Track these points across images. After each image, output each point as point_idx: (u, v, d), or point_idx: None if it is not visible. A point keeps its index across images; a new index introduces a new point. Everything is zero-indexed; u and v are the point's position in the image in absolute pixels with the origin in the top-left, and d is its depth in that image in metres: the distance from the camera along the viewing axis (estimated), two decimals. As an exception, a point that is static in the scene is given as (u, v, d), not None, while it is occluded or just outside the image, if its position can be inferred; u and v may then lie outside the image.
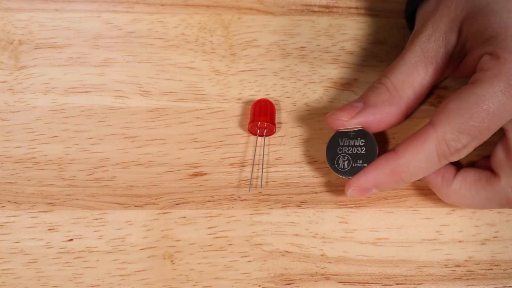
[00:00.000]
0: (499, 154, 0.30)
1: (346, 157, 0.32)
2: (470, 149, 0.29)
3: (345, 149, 0.32)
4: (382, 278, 0.32)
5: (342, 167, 0.32)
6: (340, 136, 0.32)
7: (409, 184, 0.34)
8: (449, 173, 0.31)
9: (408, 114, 0.33)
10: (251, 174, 0.34)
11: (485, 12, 0.29)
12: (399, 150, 0.29)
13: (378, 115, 0.32)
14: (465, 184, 0.31)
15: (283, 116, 0.35)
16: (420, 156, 0.29)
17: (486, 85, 0.28)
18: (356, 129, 0.32)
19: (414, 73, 0.31)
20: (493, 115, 0.27)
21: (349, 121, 0.32)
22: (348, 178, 0.32)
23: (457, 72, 0.33)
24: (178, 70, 0.36)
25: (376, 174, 0.30)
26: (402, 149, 0.29)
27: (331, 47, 0.37)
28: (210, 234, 0.32)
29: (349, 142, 0.32)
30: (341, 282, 0.32)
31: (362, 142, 0.32)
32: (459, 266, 0.32)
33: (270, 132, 0.34)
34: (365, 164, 0.31)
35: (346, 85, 0.36)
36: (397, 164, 0.29)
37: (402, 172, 0.29)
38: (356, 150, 0.32)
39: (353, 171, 0.31)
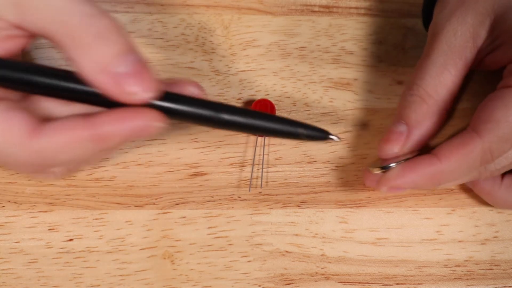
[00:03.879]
0: None
1: None
2: (510, 156, 0.28)
3: None
4: (382, 278, 0.32)
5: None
6: None
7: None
8: (497, 176, 0.31)
9: (450, 113, 0.32)
10: (251, 174, 0.34)
11: None
12: (442, 157, 0.29)
13: (424, 132, 0.31)
14: None
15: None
16: (464, 163, 0.28)
17: None
18: None
19: (444, 73, 0.30)
20: None
21: (402, 151, 0.30)
22: (380, 173, 0.31)
23: (481, 65, 0.31)
24: (178, 70, 0.36)
25: (416, 177, 0.29)
26: (445, 156, 0.29)
27: (331, 47, 0.37)
28: (210, 234, 0.32)
29: None
30: (341, 282, 0.32)
31: None
32: (459, 266, 0.32)
33: (270, 132, 0.34)
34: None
35: (346, 85, 0.36)
36: (440, 170, 0.29)
37: (443, 178, 0.29)
38: None
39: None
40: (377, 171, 0.30)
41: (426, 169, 0.29)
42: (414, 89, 0.31)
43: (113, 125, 0.25)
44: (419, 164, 0.29)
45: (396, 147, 0.30)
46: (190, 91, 0.28)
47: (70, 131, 0.25)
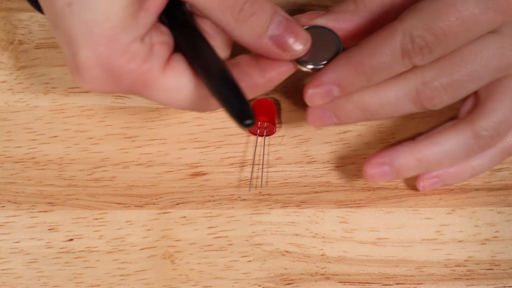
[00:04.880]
0: (468, 101, 0.31)
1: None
2: (434, 54, 0.27)
3: None
4: (382, 278, 0.32)
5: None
6: None
7: (409, 184, 0.34)
8: (407, 142, 0.31)
9: (373, 30, 0.30)
10: (251, 174, 0.34)
11: None
12: (363, 42, 0.28)
13: (340, 22, 0.30)
14: (427, 138, 0.31)
15: (283, 116, 0.35)
16: (384, 49, 0.27)
17: None
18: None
19: None
20: (462, 22, 0.26)
21: (309, 23, 0.30)
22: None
23: None
24: (178, 70, 0.36)
25: (339, 69, 0.28)
26: (366, 41, 0.28)
27: (331, 47, 0.37)
28: (210, 234, 0.32)
29: None
30: (341, 282, 0.32)
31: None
32: (459, 266, 0.32)
33: (270, 132, 0.34)
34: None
35: (346, 85, 0.36)
36: (361, 55, 0.28)
37: (365, 64, 0.28)
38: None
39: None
40: (305, 69, 0.29)
41: (348, 57, 0.28)
42: None
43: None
44: (342, 56, 0.29)
45: (307, 16, 0.30)
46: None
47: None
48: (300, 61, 0.29)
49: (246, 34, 0.27)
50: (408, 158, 0.31)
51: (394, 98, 0.29)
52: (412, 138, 0.31)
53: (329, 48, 0.29)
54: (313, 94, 0.29)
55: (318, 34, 0.29)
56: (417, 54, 0.27)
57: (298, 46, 0.28)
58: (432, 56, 0.27)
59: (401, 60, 0.27)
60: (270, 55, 0.28)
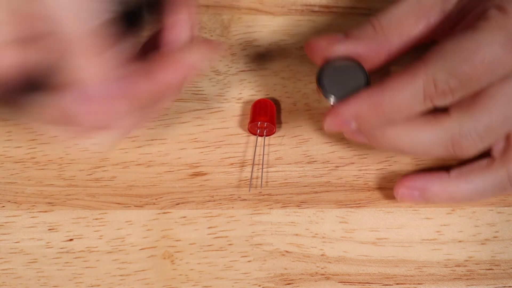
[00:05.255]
0: (500, 142, 0.31)
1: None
2: (456, 96, 0.28)
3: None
4: (382, 278, 0.32)
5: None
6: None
7: (409, 184, 0.34)
8: (442, 172, 0.31)
9: (389, 61, 0.31)
10: (251, 174, 0.34)
11: None
12: (385, 83, 0.28)
13: (359, 48, 0.30)
14: (461, 176, 0.31)
15: (283, 116, 0.35)
16: (406, 91, 0.27)
17: (487, 34, 0.27)
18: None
19: (403, 20, 0.30)
20: (487, 66, 0.27)
21: (328, 49, 0.30)
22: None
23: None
24: (178, 70, 0.36)
25: (358, 105, 0.28)
26: (389, 82, 0.28)
27: (331, 47, 0.37)
28: (210, 234, 0.32)
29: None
30: (341, 282, 0.32)
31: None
32: (459, 266, 0.32)
33: (270, 132, 0.34)
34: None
35: (346, 85, 0.36)
36: (381, 96, 0.28)
37: (385, 105, 0.28)
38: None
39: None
40: (329, 102, 0.30)
41: (369, 95, 0.28)
42: (370, 19, 0.31)
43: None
44: (363, 92, 0.28)
45: (325, 41, 0.30)
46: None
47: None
48: (324, 93, 0.29)
49: None
50: (440, 190, 0.31)
51: (427, 142, 0.29)
52: (447, 168, 0.32)
53: (354, 82, 0.30)
54: (330, 123, 0.29)
55: (344, 66, 0.30)
56: (439, 98, 0.27)
57: None
58: (454, 99, 0.28)
59: (422, 102, 0.28)
60: None
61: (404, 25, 0.30)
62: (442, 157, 0.31)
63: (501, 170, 0.30)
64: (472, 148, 0.29)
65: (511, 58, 0.27)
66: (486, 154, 0.31)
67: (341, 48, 0.30)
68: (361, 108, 0.28)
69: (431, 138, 0.29)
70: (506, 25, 0.27)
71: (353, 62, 0.30)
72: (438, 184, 0.31)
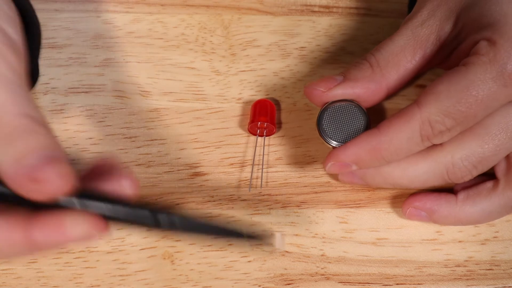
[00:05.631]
0: (501, 163, 0.31)
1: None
2: (454, 133, 0.28)
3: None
4: (382, 278, 0.32)
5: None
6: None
7: (409, 184, 0.34)
8: (449, 195, 0.32)
9: (389, 96, 0.32)
10: (251, 174, 0.34)
11: (484, 1, 0.29)
12: (382, 127, 0.29)
13: (357, 90, 0.31)
14: (468, 199, 0.31)
15: (283, 116, 0.35)
16: (403, 135, 0.28)
17: (478, 71, 0.27)
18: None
19: (400, 55, 0.31)
20: (481, 102, 0.27)
21: (327, 93, 0.31)
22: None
23: (448, 62, 0.32)
24: (178, 70, 0.36)
25: (357, 150, 0.29)
26: (385, 127, 0.29)
27: (331, 47, 0.37)
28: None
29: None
30: (341, 282, 0.32)
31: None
32: (459, 266, 0.32)
33: (270, 132, 0.34)
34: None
35: (346, 85, 0.36)
36: (379, 141, 0.28)
37: (383, 150, 0.29)
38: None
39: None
40: (330, 145, 0.31)
41: (367, 141, 0.29)
42: (367, 57, 0.32)
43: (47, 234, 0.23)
44: (361, 137, 0.29)
45: (323, 86, 0.31)
46: (122, 186, 0.25)
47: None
48: (325, 137, 0.31)
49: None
50: (447, 213, 0.31)
51: (424, 175, 0.30)
52: (453, 190, 0.32)
53: (354, 124, 0.31)
54: (331, 167, 0.30)
55: (344, 108, 0.32)
56: (437, 137, 0.28)
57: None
58: (453, 135, 0.28)
59: (420, 143, 0.28)
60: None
61: (401, 59, 0.31)
62: (441, 187, 0.32)
63: (507, 192, 0.31)
64: (467, 176, 0.30)
65: (505, 91, 0.27)
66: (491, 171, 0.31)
67: (339, 92, 0.31)
68: (360, 153, 0.29)
69: (428, 172, 0.30)
70: (496, 59, 0.27)
71: (352, 103, 0.32)
72: (445, 208, 0.31)
